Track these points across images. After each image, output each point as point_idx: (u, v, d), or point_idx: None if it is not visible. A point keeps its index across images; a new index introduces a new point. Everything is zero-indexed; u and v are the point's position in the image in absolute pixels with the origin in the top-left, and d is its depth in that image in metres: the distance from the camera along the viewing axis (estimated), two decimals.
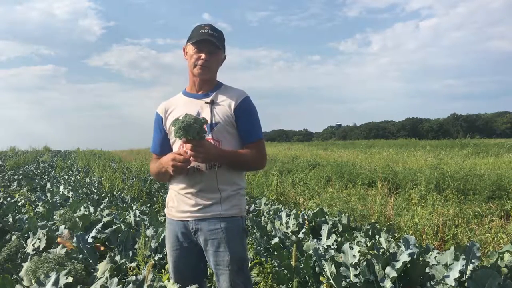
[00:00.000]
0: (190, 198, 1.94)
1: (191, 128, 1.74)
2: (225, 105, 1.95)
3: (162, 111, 2.07)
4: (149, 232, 3.92)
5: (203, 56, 1.94)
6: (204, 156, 1.81)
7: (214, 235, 1.90)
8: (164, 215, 2.10)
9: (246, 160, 1.94)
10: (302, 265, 2.97)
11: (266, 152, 2.05)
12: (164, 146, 2.05)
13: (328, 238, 3.79)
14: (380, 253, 2.91)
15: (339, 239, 3.71)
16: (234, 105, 1.95)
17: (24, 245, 3.63)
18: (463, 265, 2.49)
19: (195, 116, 1.78)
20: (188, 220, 1.95)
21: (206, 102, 1.96)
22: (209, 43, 1.93)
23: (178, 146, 1.98)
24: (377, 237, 3.73)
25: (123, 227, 4.28)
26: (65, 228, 4.02)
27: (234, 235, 1.91)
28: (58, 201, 6.47)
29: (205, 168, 1.91)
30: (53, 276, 2.39)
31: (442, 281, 2.48)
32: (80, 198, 6.71)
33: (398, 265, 2.59)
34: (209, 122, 1.91)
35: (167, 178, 2.03)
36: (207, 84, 2.01)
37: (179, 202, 1.98)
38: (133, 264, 3.31)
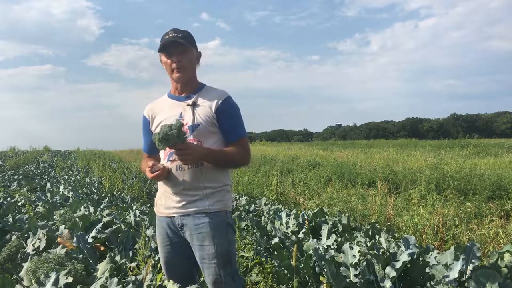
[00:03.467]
0: (175, 195, 1.99)
1: (169, 137, 1.79)
2: (206, 106, 2.00)
3: (148, 114, 2.15)
4: (149, 232, 3.92)
5: (174, 59, 1.98)
6: (191, 158, 1.87)
7: (199, 229, 1.95)
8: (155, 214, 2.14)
9: (231, 158, 1.99)
10: (302, 265, 2.97)
11: (249, 148, 2.10)
12: (152, 147, 2.08)
13: (328, 238, 3.79)
14: (380, 253, 2.90)
15: (339, 239, 3.70)
16: (215, 105, 1.99)
17: (24, 245, 3.63)
18: (463, 265, 2.49)
19: (169, 124, 1.82)
20: (174, 216, 2.00)
21: (188, 105, 2.02)
22: (175, 45, 1.98)
23: (165, 151, 2.01)
24: (377, 237, 3.72)
25: (123, 227, 4.28)
26: (65, 228, 4.02)
27: (219, 229, 1.95)
28: (58, 201, 6.48)
29: (188, 167, 1.96)
30: (53, 276, 2.39)
31: (442, 281, 2.48)
32: (80, 198, 6.71)
33: (398, 265, 2.59)
34: (190, 123, 1.97)
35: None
36: (188, 86, 2.06)
37: (166, 199, 2.03)
38: (133, 264, 3.31)
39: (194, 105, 2.01)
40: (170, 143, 1.80)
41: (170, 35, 1.98)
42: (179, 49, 1.98)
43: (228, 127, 2.01)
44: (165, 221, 2.05)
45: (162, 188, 2.06)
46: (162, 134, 1.79)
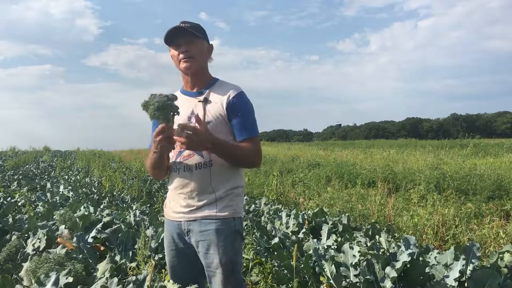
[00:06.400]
0: (182, 199, 1.91)
1: (167, 106, 1.64)
2: (218, 102, 1.89)
3: None
4: (149, 232, 3.92)
5: (182, 49, 1.88)
6: (196, 141, 1.70)
7: (204, 236, 1.86)
8: (164, 215, 2.10)
9: (242, 152, 1.86)
10: (302, 265, 2.97)
11: (261, 150, 1.97)
12: None
13: (328, 238, 3.79)
14: (380, 253, 2.91)
15: (339, 239, 3.70)
16: (226, 102, 1.88)
17: (24, 245, 3.63)
18: (463, 265, 2.49)
19: (163, 94, 1.69)
20: (181, 221, 1.92)
21: (199, 101, 1.92)
22: (182, 33, 1.86)
23: (175, 144, 1.90)
24: (377, 237, 3.72)
25: (123, 227, 4.28)
26: (65, 228, 4.01)
27: (225, 237, 1.85)
28: (58, 201, 6.47)
29: (195, 167, 1.86)
30: (53, 276, 2.39)
31: (442, 281, 2.48)
32: (80, 198, 6.71)
33: (398, 265, 2.59)
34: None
35: (160, 166, 1.92)
36: (200, 80, 1.96)
37: (174, 202, 1.96)
38: (133, 264, 3.31)
39: (205, 101, 1.91)
40: (169, 112, 1.67)
41: (178, 25, 1.87)
42: (186, 37, 1.87)
43: (239, 125, 1.88)
44: (172, 225, 1.97)
45: (171, 190, 1.98)
46: (161, 102, 1.63)
